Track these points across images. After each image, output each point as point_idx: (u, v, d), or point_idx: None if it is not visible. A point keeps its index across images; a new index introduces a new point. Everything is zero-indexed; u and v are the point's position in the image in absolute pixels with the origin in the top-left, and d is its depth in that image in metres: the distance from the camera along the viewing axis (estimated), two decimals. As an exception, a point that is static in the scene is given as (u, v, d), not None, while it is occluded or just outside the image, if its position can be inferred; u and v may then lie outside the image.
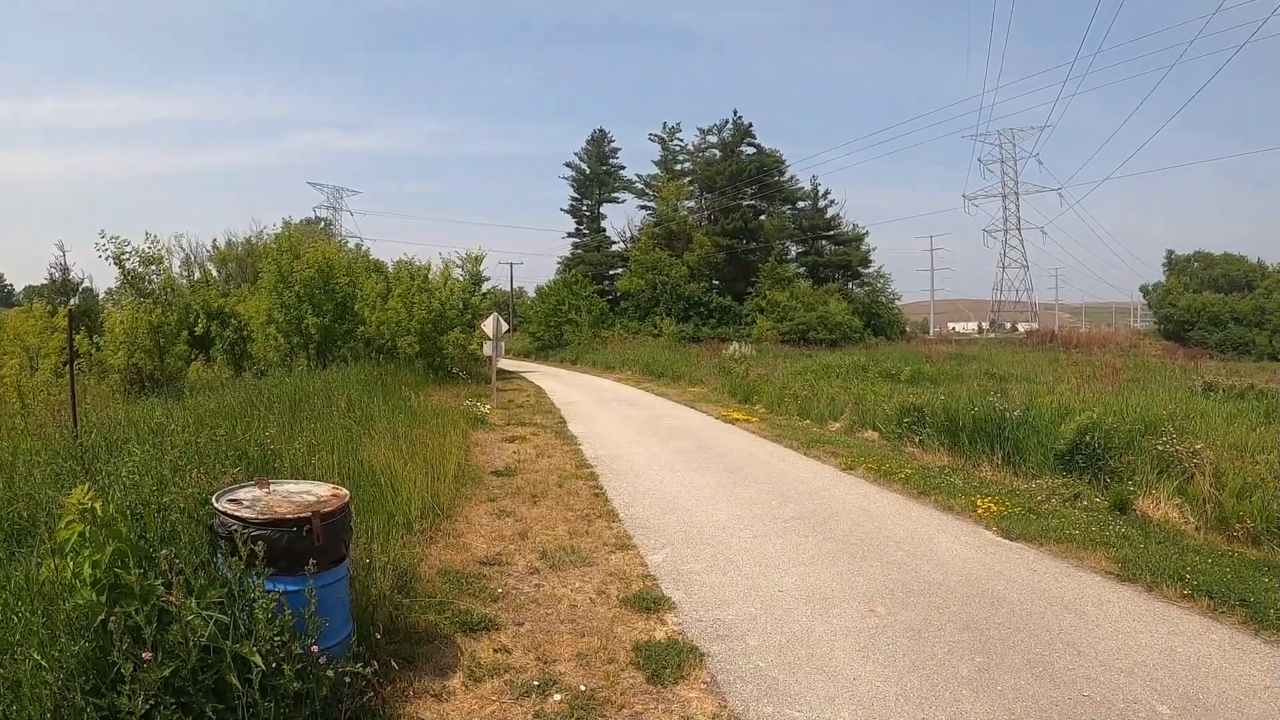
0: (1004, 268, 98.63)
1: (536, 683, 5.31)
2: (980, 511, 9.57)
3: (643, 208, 73.88)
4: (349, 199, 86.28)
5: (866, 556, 8.06)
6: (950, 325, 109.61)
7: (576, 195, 76.57)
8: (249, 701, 3.95)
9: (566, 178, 76.66)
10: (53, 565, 4.13)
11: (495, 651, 5.82)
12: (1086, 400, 13.40)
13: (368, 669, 4.56)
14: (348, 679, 4.47)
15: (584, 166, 75.65)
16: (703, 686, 5.33)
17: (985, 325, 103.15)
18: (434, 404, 17.58)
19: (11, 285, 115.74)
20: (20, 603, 4.33)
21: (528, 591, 7.11)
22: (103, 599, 3.89)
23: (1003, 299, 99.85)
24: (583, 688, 5.26)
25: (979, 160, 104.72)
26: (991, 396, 13.44)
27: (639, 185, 74.48)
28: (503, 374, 27.02)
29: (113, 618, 3.77)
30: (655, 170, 73.39)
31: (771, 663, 5.66)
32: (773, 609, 6.67)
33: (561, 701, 5.07)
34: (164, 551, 4.16)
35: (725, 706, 5.04)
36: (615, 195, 76.14)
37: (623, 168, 76.29)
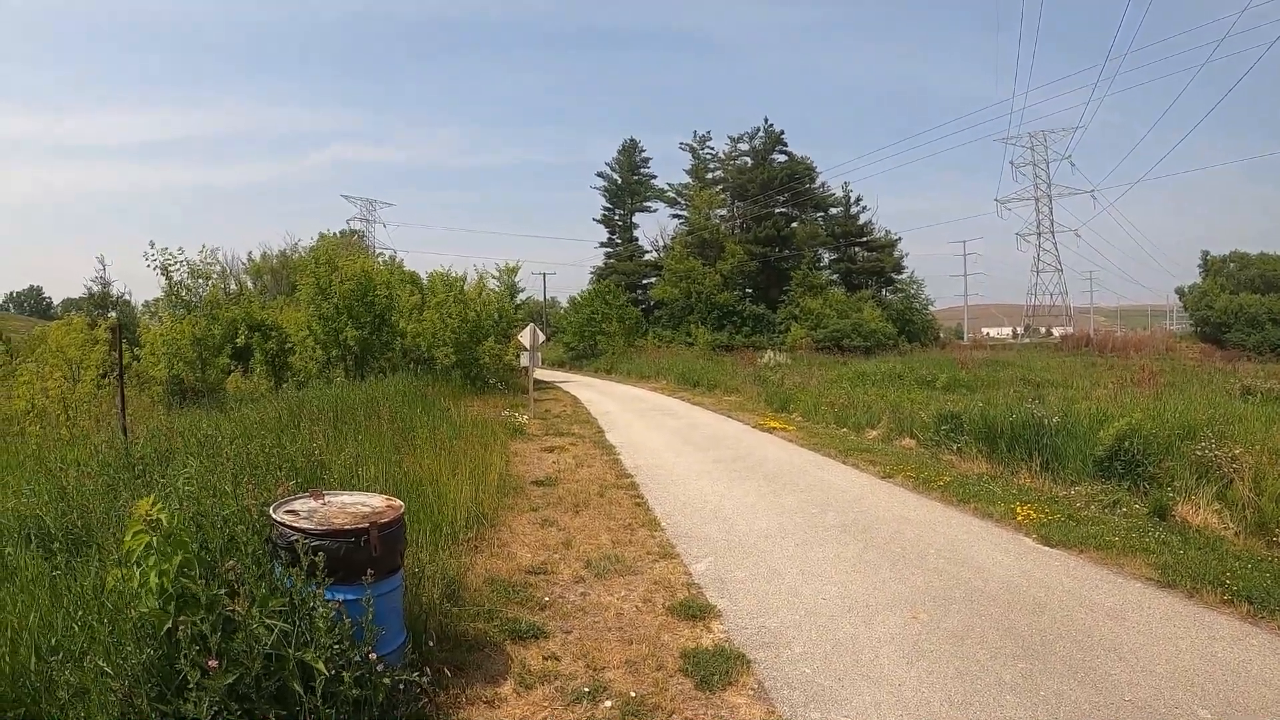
0: (1038, 272, 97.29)
1: (587, 689, 5.36)
2: (1020, 518, 9.52)
3: (675, 216, 74.00)
4: (382, 211, 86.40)
5: (908, 564, 8.05)
6: (984, 331, 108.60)
7: (608, 205, 76.93)
8: (311, 707, 4.03)
9: (598, 187, 77.11)
10: (119, 575, 4.24)
11: (545, 659, 5.88)
12: (1124, 406, 13.29)
13: (422, 676, 4.63)
14: (403, 686, 4.55)
15: (615, 176, 75.91)
16: (750, 692, 5.37)
17: (1020, 330, 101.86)
18: (473, 414, 17.69)
19: (50, 298, 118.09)
20: (84, 611, 4.44)
21: (574, 600, 7.17)
22: (169, 608, 3.98)
23: (1037, 303, 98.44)
24: (633, 694, 5.31)
25: (1010, 163, 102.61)
26: (1029, 403, 13.36)
27: (670, 194, 74.58)
28: (538, 384, 27.12)
29: (180, 626, 3.87)
30: (687, 179, 73.49)
31: (818, 669, 5.68)
32: (817, 616, 6.69)
33: (612, 708, 5.13)
34: (229, 562, 4.27)
35: (773, 712, 5.08)
36: (647, 204, 76.38)
37: (654, 177, 76.56)
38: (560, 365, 57.32)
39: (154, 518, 4.14)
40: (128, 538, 4.15)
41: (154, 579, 4.01)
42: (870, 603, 6.97)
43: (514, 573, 7.85)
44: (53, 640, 4.24)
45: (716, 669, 5.66)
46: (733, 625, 6.56)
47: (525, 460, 14.51)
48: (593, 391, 32.18)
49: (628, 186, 75.33)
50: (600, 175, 76.83)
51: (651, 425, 20.60)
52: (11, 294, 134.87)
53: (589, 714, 5.07)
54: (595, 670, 5.71)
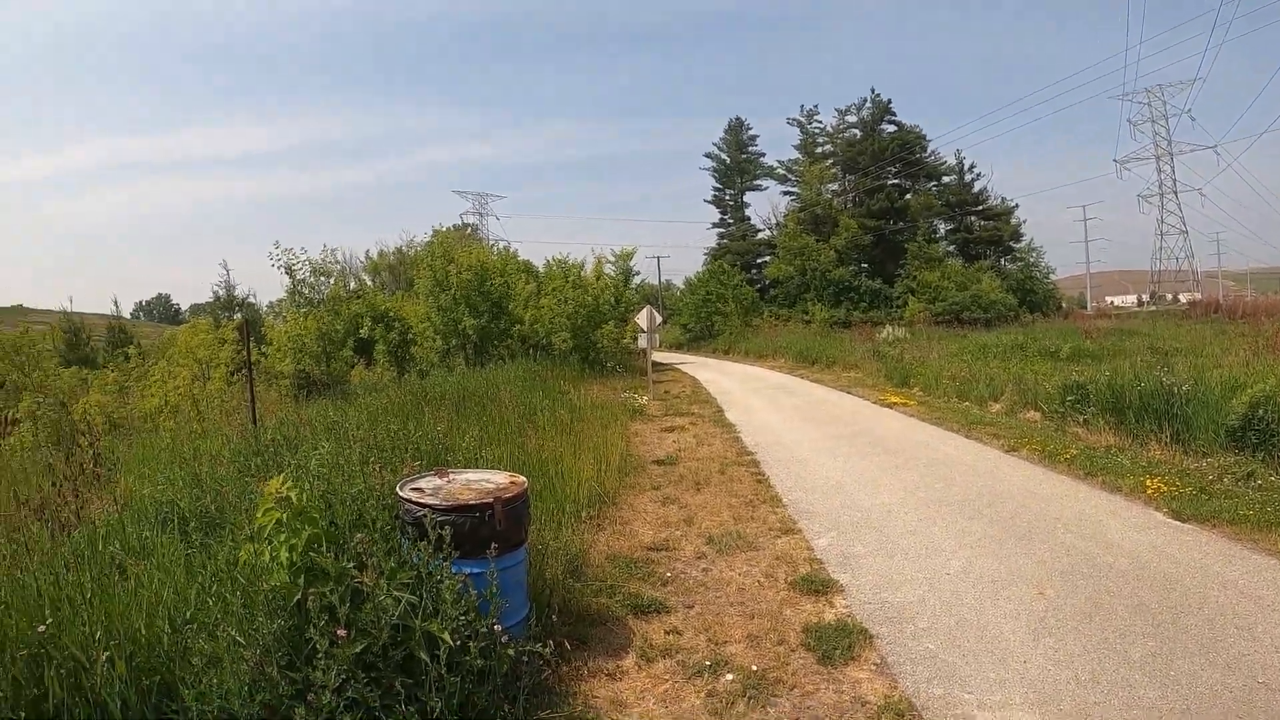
0: (1162, 235, 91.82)
1: (708, 663, 5.37)
2: (1149, 492, 9.15)
3: (786, 193, 73.16)
4: (493, 204, 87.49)
5: (1033, 539, 7.83)
6: (1108, 299, 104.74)
7: (718, 185, 76.46)
8: (436, 676, 4.12)
9: (707, 168, 76.68)
10: (251, 550, 4.41)
11: (666, 633, 5.91)
12: (1258, 372, 12.64)
13: (545, 648, 4.70)
14: (526, 658, 4.64)
15: (724, 156, 75.43)
16: (873, 667, 5.31)
17: (1145, 297, 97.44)
18: (592, 397, 17.89)
19: (178, 305, 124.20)
20: (218, 585, 4.64)
21: (696, 575, 7.19)
22: (299, 581, 4.13)
23: (1162, 268, 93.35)
24: (754, 668, 5.29)
25: (1128, 121, 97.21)
26: (1157, 371, 12.84)
27: (780, 171, 73.75)
28: (656, 366, 27.14)
29: (310, 597, 4.01)
30: (796, 154, 72.59)
31: (941, 645, 5.58)
32: (941, 592, 6.57)
33: (734, 681, 5.12)
34: (359, 535, 4.41)
35: (896, 688, 5.00)
36: (757, 183, 75.66)
37: (762, 155, 75.67)
38: (677, 347, 57.29)
39: (284, 495, 4.29)
40: (259, 515, 4.32)
41: (284, 553, 4.16)
42: (995, 578, 6.81)
43: (636, 549, 7.91)
44: (187, 613, 4.44)
45: (839, 644, 5.61)
46: (855, 600, 6.49)
47: (645, 440, 14.59)
48: (710, 372, 32.11)
49: (737, 165, 74.82)
50: (708, 156, 76.52)
51: (771, 403, 20.47)
52: (140, 303, 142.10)
53: (710, 687, 5.07)
54: (717, 644, 5.71)
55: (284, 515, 4.24)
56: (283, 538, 4.21)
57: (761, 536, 8.31)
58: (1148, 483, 9.40)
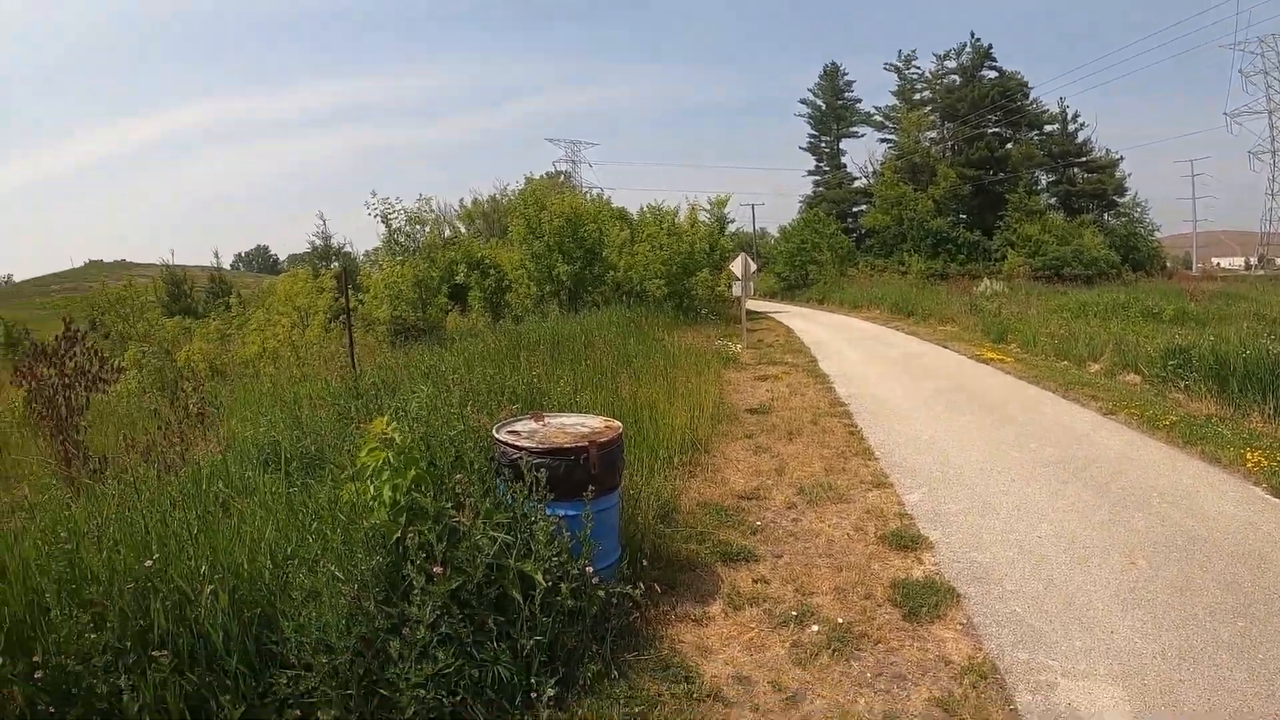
0: (1273, 195, 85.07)
1: (794, 613, 5.42)
2: (1249, 465, 8.77)
3: (883, 140, 71.40)
4: (586, 151, 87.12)
5: (1127, 507, 7.63)
6: (1215, 260, 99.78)
7: (814, 132, 74.94)
8: (528, 615, 4.24)
9: (802, 115, 75.00)
10: (354, 489, 4.55)
11: (754, 582, 5.97)
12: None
13: (635, 591, 4.80)
14: (615, 600, 4.75)
15: (819, 102, 73.86)
16: (958, 627, 5.30)
17: (1253, 260, 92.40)
18: (686, 344, 17.86)
19: (276, 256, 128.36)
20: (319, 523, 4.80)
21: (785, 525, 7.22)
22: (399, 519, 4.26)
23: (1272, 231, 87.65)
24: (839, 620, 5.33)
25: (1239, 72, 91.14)
26: (1264, 339, 12.32)
27: (878, 118, 71.81)
28: (750, 314, 26.97)
29: (409, 535, 4.14)
30: (893, 101, 70.75)
31: (1028, 609, 5.52)
32: (1030, 555, 6.49)
33: (819, 632, 5.17)
34: (458, 476, 4.54)
35: (980, 649, 4.98)
36: (853, 130, 73.89)
37: (858, 101, 73.54)
38: (771, 295, 56.86)
39: (388, 436, 4.42)
40: (363, 454, 4.45)
41: (387, 493, 4.29)
42: (1086, 544, 6.68)
43: (726, 497, 7.96)
44: (288, 549, 4.59)
45: (925, 601, 5.61)
46: (944, 558, 6.47)
47: (739, 388, 14.61)
48: (805, 321, 31.90)
49: (832, 112, 73.23)
50: (804, 102, 74.87)
51: (865, 355, 20.29)
52: (241, 254, 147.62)
53: (795, 637, 5.12)
54: (804, 595, 5.76)
55: (388, 455, 4.36)
56: (385, 476, 4.34)
57: (852, 489, 8.30)
58: (1248, 456, 9.03)
